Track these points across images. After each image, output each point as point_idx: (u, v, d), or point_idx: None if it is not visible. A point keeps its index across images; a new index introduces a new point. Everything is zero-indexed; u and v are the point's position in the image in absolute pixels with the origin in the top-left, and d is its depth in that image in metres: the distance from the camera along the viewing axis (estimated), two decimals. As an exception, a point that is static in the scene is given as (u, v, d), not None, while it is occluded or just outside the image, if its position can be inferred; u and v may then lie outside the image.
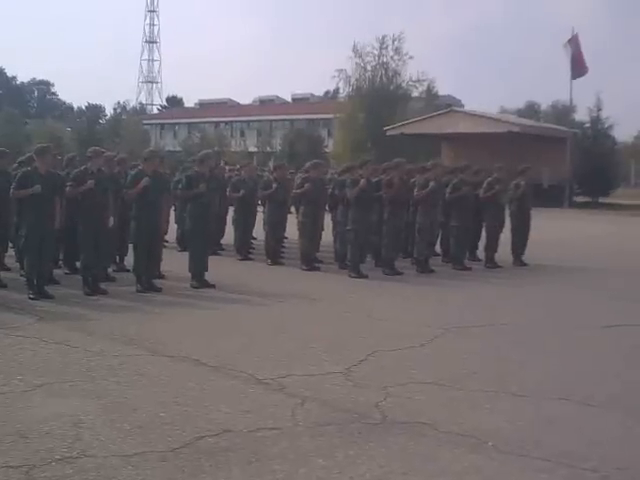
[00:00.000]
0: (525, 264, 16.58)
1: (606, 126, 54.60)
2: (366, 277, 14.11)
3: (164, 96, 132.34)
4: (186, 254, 13.14)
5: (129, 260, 13.18)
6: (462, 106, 67.43)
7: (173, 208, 16.76)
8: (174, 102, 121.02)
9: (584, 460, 5.45)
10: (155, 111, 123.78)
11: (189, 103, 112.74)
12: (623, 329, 10.28)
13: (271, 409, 6.29)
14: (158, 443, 5.49)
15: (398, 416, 6.23)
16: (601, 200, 50.68)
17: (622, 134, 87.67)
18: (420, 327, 9.86)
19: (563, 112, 68.70)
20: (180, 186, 13.44)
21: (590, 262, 17.92)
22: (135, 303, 11.17)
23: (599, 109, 54.05)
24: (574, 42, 48.90)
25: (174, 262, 13.78)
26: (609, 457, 5.56)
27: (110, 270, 13.19)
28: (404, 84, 61.33)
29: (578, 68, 48.65)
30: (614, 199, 51.34)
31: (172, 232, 17.11)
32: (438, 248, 17.01)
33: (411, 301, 12.10)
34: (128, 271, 13.00)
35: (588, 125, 55.26)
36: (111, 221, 12.07)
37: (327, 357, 8.16)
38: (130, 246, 13.08)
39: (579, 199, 50.55)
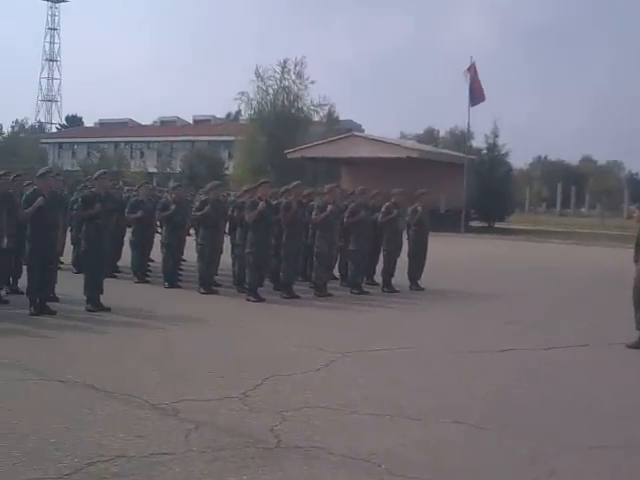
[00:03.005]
0: (422, 288, 16.77)
1: (502, 153, 55.81)
2: (264, 301, 14.09)
3: (64, 115, 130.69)
4: (82, 276, 12.92)
5: (23, 282, 12.88)
6: (362, 131, 68.21)
7: (69, 229, 16.51)
8: (74, 121, 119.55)
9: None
10: (54, 130, 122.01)
11: (89, 123, 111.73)
12: (517, 353, 10.47)
13: (164, 434, 6.23)
14: (48, 469, 5.39)
15: (293, 440, 6.24)
16: (497, 225, 51.70)
17: (517, 161, 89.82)
18: (317, 351, 9.88)
19: (461, 138, 69.93)
20: (76, 206, 13.22)
21: (486, 287, 18.24)
22: (28, 326, 10.91)
23: (496, 136, 55.18)
24: (472, 70, 49.77)
25: (69, 284, 13.54)
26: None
27: (3, 292, 12.89)
28: (305, 108, 61.74)
29: (476, 96, 49.50)
30: (509, 224, 52.45)
31: (68, 254, 16.86)
32: (336, 272, 17.12)
33: (309, 325, 12.12)
34: (22, 293, 12.66)
35: (485, 152, 56.34)
36: (5, 242, 11.80)
37: (223, 382, 8.12)
38: (24, 268, 12.82)
39: (475, 224, 51.39)
